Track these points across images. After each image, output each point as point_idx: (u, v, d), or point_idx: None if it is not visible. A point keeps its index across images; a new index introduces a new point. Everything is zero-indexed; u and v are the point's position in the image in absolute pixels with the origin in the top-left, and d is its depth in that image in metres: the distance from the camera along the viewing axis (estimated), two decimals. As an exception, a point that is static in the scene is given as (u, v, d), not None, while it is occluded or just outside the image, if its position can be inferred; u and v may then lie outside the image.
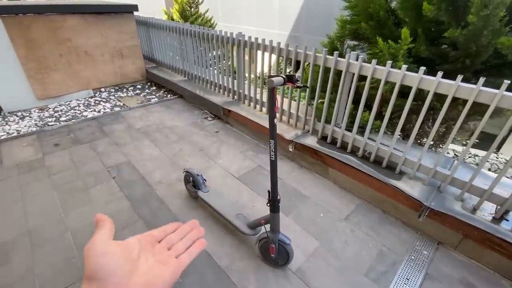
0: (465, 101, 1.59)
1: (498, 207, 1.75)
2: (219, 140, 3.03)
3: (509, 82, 1.46)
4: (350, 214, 2.05)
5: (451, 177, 1.83)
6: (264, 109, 3.06)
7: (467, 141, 3.41)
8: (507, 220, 1.72)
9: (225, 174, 2.45)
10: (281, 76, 1.14)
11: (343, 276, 1.60)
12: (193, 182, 2.07)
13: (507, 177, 2.18)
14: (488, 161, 3.90)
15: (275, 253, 1.55)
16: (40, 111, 3.64)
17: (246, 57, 3.08)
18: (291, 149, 2.57)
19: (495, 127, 1.67)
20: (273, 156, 1.38)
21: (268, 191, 1.46)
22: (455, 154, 3.26)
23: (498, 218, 1.72)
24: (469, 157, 3.35)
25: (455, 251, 1.79)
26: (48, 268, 1.60)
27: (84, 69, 4.01)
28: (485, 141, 1.64)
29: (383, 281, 1.59)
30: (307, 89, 2.47)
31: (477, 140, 3.60)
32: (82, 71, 4.00)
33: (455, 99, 1.70)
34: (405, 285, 1.58)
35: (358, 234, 1.89)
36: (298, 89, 2.68)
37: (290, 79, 1.19)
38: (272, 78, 1.10)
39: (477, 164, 3.09)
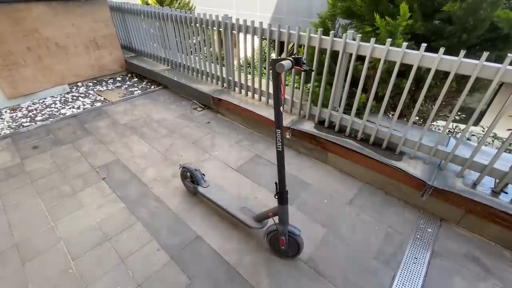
0: (457, 77, 1.54)
1: (497, 180, 1.78)
2: (211, 131, 2.91)
3: (512, 55, 1.43)
4: (353, 198, 2.04)
5: (452, 154, 1.84)
6: (257, 96, 2.95)
7: (456, 116, 3.47)
8: (506, 193, 1.75)
9: (222, 167, 2.36)
10: (289, 59, 1.04)
11: (354, 262, 1.59)
12: (191, 178, 1.96)
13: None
14: (474, 135, 4.00)
15: (285, 245, 1.51)
16: (12, 111, 3.34)
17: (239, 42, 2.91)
18: (288, 136, 2.50)
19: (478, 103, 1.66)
20: (280, 147, 1.30)
21: (276, 183, 1.39)
22: (449, 131, 3.32)
23: (498, 192, 1.76)
24: (458, 132, 3.42)
25: (458, 227, 1.83)
26: (44, 283, 1.48)
27: (57, 62, 3.69)
28: (469, 115, 1.65)
29: (393, 263, 1.59)
30: (302, 73, 2.37)
31: (464, 115, 3.68)
32: (54, 65, 3.67)
33: (446, 76, 1.66)
34: (414, 264, 1.59)
35: (363, 218, 1.88)
36: (296, 73, 2.57)
37: (297, 62, 1.09)
38: (282, 62, 1.00)
39: (468, 139, 3.17)
